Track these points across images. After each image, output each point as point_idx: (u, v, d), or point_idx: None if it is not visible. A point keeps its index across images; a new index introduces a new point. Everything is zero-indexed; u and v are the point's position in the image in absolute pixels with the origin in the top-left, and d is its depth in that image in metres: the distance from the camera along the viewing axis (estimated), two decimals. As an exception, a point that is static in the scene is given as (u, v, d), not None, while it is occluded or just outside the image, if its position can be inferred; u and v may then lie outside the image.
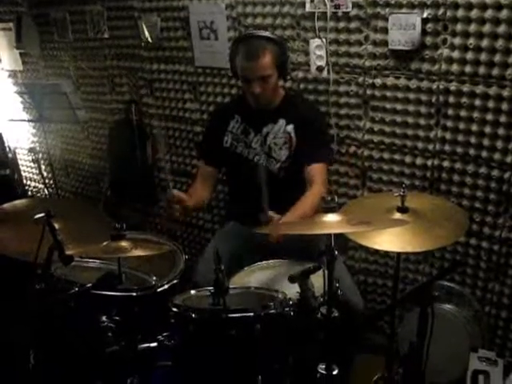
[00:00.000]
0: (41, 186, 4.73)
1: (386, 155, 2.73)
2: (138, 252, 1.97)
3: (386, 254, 2.87)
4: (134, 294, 2.07)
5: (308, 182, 2.50)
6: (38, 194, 4.75)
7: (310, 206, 2.36)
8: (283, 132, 2.56)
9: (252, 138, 2.60)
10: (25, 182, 4.86)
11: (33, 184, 4.84)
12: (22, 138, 4.65)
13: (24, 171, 4.83)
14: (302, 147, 2.57)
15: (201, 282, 2.32)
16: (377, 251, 2.87)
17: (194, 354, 1.89)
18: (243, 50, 2.44)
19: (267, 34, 2.51)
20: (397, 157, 2.70)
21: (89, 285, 1.85)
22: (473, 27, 2.29)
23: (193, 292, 2.04)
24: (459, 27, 2.33)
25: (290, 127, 2.56)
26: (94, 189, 4.29)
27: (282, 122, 2.57)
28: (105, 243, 1.97)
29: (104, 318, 1.97)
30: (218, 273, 1.74)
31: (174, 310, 1.90)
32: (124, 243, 1.98)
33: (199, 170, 2.82)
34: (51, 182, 4.48)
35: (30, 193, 4.85)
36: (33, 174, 4.79)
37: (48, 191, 4.60)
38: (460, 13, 2.30)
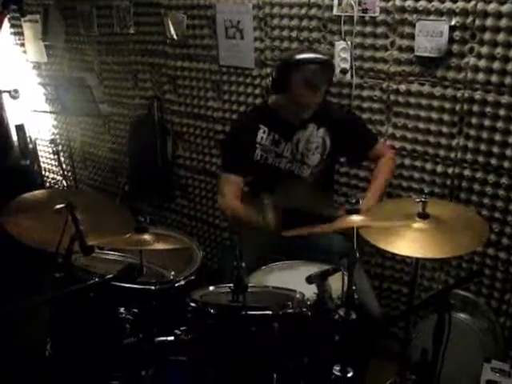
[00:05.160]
0: (59, 177, 4.77)
1: (406, 161, 2.73)
2: (160, 245, 1.98)
3: (402, 259, 2.87)
4: (153, 287, 2.09)
5: (377, 158, 2.61)
6: (56, 186, 4.79)
7: (389, 171, 2.60)
8: (315, 136, 2.54)
9: (283, 147, 2.54)
10: (43, 172, 4.90)
11: (51, 175, 4.88)
12: (43, 130, 4.69)
13: (43, 162, 4.87)
14: (345, 145, 2.58)
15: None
16: (393, 257, 2.87)
17: (209, 350, 1.90)
18: (302, 77, 2.31)
19: (325, 57, 2.41)
20: (418, 163, 2.70)
21: (109, 276, 1.86)
22: (501, 36, 2.28)
23: (211, 288, 2.05)
24: (487, 36, 2.32)
25: (322, 131, 2.54)
26: (111, 182, 4.31)
27: (312, 126, 2.53)
28: (128, 235, 1.99)
29: (122, 310, 2.00)
30: (239, 269, 1.75)
31: (192, 305, 1.91)
32: (146, 236, 2.00)
33: (230, 187, 2.53)
34: (70, 173, 4.52)
35: (48, 184, 4.89)
36: (52, 165, 4.83)
37: (66, 183, 4.63)
38: (489, 22, 2.29)
